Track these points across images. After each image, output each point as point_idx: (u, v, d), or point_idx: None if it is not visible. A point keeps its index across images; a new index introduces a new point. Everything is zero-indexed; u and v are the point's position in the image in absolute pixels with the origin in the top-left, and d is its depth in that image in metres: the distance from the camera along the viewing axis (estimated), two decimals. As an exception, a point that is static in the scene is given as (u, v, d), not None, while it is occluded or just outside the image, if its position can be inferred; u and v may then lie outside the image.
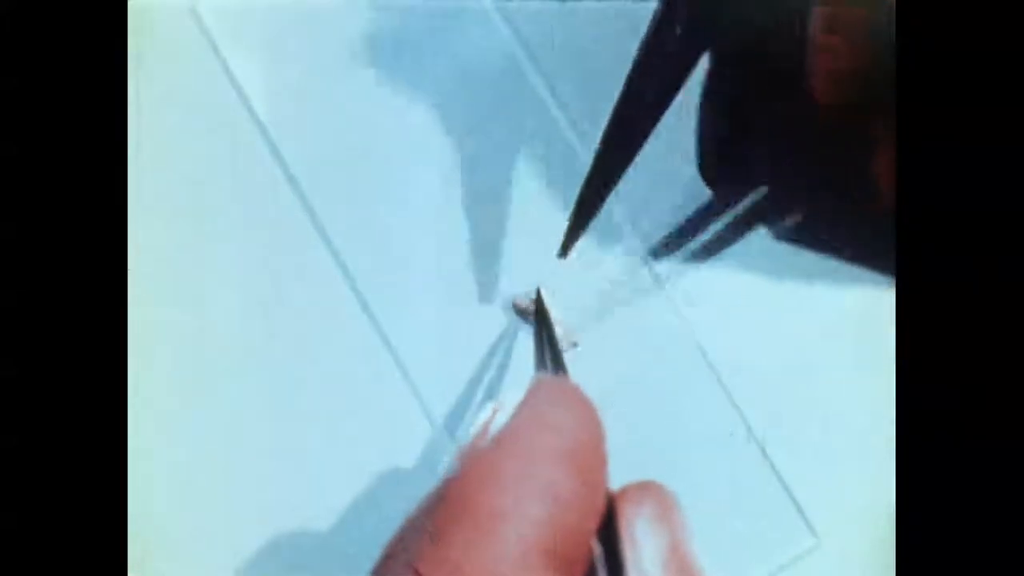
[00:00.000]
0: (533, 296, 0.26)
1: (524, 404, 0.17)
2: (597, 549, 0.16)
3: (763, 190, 0.25)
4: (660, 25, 0.21)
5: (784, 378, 0.26)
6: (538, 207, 0.26)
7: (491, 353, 0.26)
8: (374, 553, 0.16)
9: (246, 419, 0.26)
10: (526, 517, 0.15)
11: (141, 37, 0.26)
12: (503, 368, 0.26)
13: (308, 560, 0.26)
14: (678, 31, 0.20)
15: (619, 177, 0.23)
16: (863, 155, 0.21)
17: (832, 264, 0.26)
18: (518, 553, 0.15)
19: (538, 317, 0.25)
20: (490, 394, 0.26)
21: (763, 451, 0.26)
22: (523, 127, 0.27)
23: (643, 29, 0.25)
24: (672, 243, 0.26)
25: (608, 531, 0.16)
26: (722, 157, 0.26)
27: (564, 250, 0.24)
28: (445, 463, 0.26)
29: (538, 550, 0.15)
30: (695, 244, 0.26)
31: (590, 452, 0.17)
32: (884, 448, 0.25)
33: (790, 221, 0.25)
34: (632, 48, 0.26)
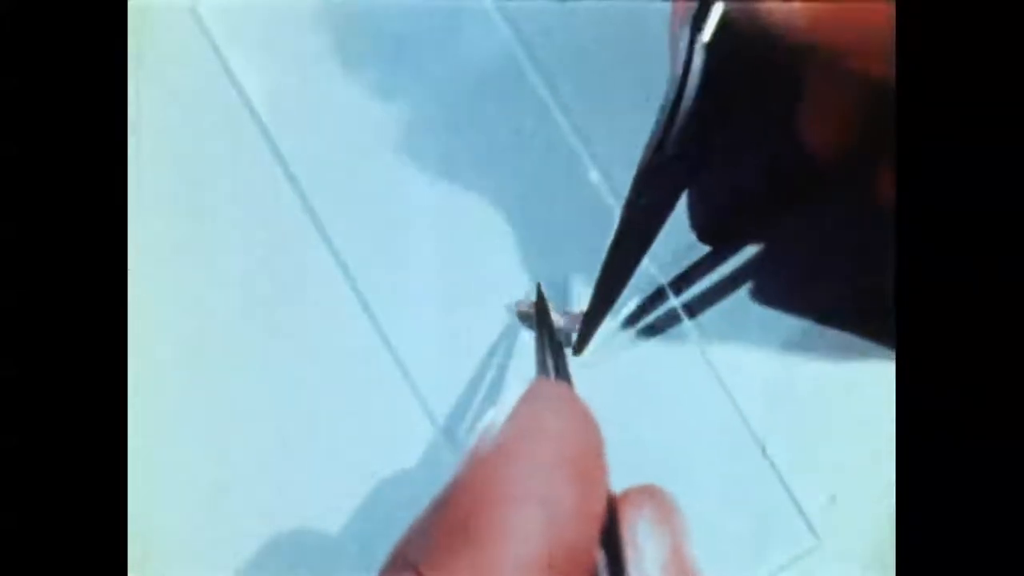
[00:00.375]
0: (534, 297, 0.26)
1: (522, 410, 0.17)
2: (599, 554, 0.16)
3: (754, 248, 0.26)
4: (654, 152, 0.22)
5: (784, 378, 0.26)
6: (539, 206, 0.26)
7: (491, 353, 0.26)
8: (374, 552, 0.16)
9: (246, 419, 0.26)
10: (526, 527, 0.15)
11: (141, 37, 0.26)
12: (503, 368, 0.26)
13: (309, 560, 0.26)
14: (670, 153, 0.21)
15: (628, 280, 0.24)
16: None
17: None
18: (519, 564, 0.15)
19: (538, 316, 0.25)
20: (491, 394, 0.26)
21: (763, 451, 0.26)
22: (523, 127, 0.27)
23: (643, 29, 0.25)
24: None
25: (609, 534, 0.16)
26: (714, 209, 0.26)
27: (579, 348, 0.25)
28: (446, 463, 0.26)
29: (539, 560, 0.15)
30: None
31: (589, 459, 0.17)
32: (884, 448, 0.25)
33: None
34: (632, 48, 0.26)
